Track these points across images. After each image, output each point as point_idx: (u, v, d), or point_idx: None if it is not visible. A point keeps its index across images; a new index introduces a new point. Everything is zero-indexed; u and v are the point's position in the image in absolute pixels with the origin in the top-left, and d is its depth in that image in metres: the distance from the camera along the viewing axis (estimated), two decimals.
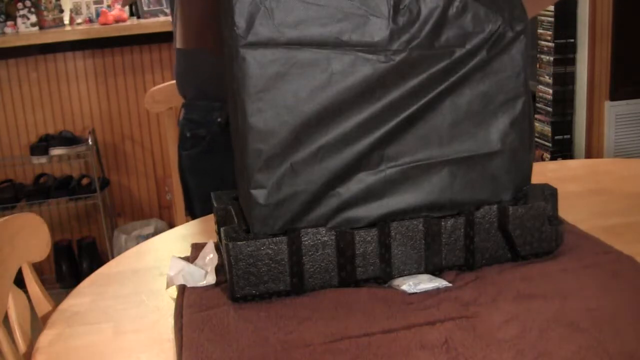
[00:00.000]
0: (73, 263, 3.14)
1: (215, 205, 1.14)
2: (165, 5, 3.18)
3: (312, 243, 0.99)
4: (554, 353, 0.83)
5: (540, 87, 3.05)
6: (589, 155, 2.99)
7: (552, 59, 2.94)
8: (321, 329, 0.91)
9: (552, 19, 2.90)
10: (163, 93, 2.05)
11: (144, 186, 3.25)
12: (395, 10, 1.00)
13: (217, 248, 1.12)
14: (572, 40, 2.92)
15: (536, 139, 3.04)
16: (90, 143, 2.93)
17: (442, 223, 1.04)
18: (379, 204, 1.03)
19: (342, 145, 1.01)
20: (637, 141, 3.00)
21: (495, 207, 1.05)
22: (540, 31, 2.98)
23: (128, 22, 3.05)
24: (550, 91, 2.99)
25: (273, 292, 1.00)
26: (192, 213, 1.75)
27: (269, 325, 0.93)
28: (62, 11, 3.06)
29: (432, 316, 0.92)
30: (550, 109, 2.99)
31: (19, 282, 1.07)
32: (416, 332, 0.89)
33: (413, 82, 1.02)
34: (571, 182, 1.46)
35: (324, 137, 1.00)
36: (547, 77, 2.99)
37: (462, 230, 1.04)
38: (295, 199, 1.00)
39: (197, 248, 1.17)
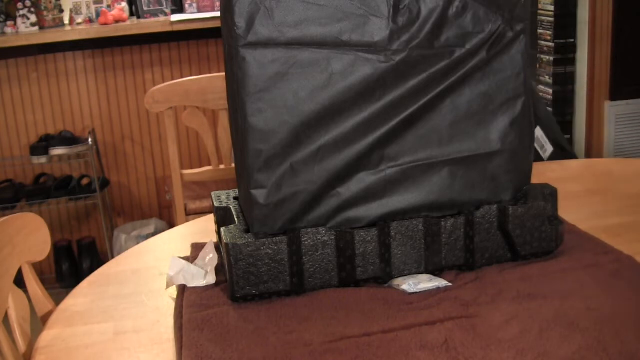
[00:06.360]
0: (73, 263, 3.14)
1: (215, 205, 1.14)
2: (165, 6, 3.17)
3: (312, 243, 0.99)
4: (554, 353, 0.83)
5: (540, 87, 3.04)
6: (589, 155, 2.98)
7: (552, 59, 2.93)
8: (321, 329, 0.91)
9: (552, 19, 2.89)
10: (163, 93, 2.05)
11: (144, 186, 3.24)
12: (395, 10, 1.00)
13: (217, 248, 1.12)
14: (572, 40, 2.91)
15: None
16: (90, 143, 2.93)
17: (442, 223, 1.04)
18: (379, 204, 1.03)
19: (342, 145, 1.01)
20: (637, 141, 2.99)
21: (495, 207, 1.05)
22: (540, 31, 2.98)
23: (128, 22, 3.04)
24: (550, 91, 2.98)
25: (273, 292, 1.00)
26: None
27: (269, 325, 0.93)
28: (62, 11, 3.05)
29: (432, 316, 0.92)
30: (550, 109, 2.98)
31: (19, 282, 1.07)
32: (416, 332, 0.89)
33: (413, 82, 1.02)
34: (571, 182, 1.45)
35: (324, 137, 1.00)
36: (547, 77, 2.99)
37: (462, 230, 1.04)
38: (295, 199, 1.00)
39: (197, 248, 1.17)
